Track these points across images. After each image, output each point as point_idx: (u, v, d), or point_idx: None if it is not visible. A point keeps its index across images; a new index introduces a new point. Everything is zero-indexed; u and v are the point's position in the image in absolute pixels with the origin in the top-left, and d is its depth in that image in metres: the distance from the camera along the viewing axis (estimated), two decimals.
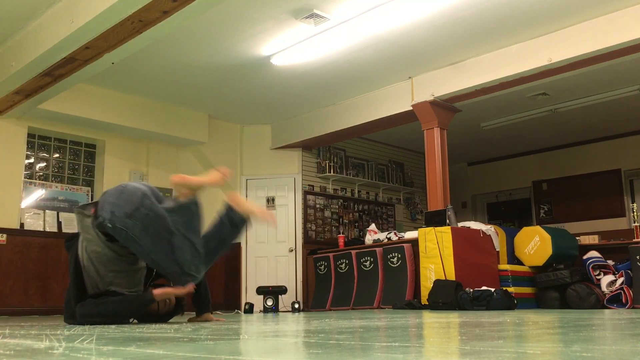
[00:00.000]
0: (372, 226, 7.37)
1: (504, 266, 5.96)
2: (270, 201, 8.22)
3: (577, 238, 6.42)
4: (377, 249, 6.59)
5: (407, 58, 6.24)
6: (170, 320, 3.24)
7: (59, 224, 6.63)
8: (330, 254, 7.19)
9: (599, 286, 5.66)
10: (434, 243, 5.62)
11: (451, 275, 5.46)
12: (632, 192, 8.96)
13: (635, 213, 6.33)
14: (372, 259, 6.61)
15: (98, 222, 2.86)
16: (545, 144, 9.63)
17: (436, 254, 5.60)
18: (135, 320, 3.14)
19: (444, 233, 5.61)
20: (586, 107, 7.59)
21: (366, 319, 3.03)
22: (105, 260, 3.00)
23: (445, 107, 6.68)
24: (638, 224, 6.18)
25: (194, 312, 3.51)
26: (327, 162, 8.60)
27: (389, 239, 6.82)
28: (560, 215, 9.57)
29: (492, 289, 5.16)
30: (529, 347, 1.19)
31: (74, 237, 3.21)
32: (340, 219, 8.70)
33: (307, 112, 7.91)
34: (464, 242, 5.69)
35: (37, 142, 6.86)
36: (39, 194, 6.73)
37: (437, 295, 5.32)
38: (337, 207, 8.72)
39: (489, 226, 6.20)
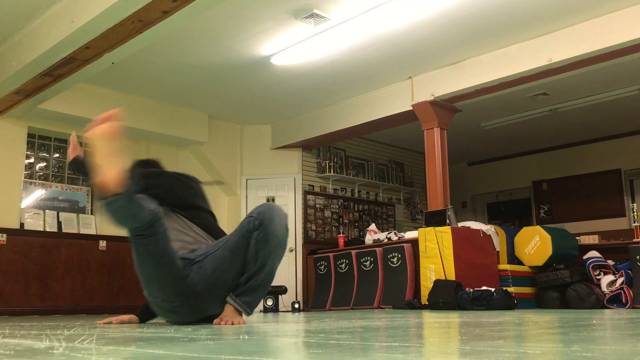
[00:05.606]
0: (372, 226, 7.37)
1: (504, 266, 5.95)
2: (271, 201, 8.22)
3: (577, 238, 6.42)
4: (377, 249, 6.59)
5: (407, 58, 6.24)
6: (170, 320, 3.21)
7: (59, 224, 6.63)
8: (330, 254, 7.19)
9: (599, 286, 5.65)
10: (434, 243, 5.62)
11: (451, 275, 5.46)
12: (632, 192, 8.97)
13: (635, 213, 6.33)
14: (372, 259, 6.61)
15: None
16: (545, 144, 9.63)
17: (436, 254, 5.59)
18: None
19: (444, 233, 5.61)
20: (586, 107, 7.60)
21: (366, 319, 3.02)
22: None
23: (445, 107, 6.69)
24: (638, 224, 6.18)
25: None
26: (327, 162, 8.60)
27: (389, 239, 6.82)
28: (560, 215, 9.57)
29: (492, 289, 5.15)
30: (529, 347, 1.19)
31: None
32: (340, 219, 8.70)
33: (307, 112, 7.91)
34: (464, 242, 5.68)
35: (37, 142, 6.86)
36: (39, 194, 6.73)
37: (437, 295, 5.32)
38: (337, 207, 8.72)
39: (489, 226, 6.20)
